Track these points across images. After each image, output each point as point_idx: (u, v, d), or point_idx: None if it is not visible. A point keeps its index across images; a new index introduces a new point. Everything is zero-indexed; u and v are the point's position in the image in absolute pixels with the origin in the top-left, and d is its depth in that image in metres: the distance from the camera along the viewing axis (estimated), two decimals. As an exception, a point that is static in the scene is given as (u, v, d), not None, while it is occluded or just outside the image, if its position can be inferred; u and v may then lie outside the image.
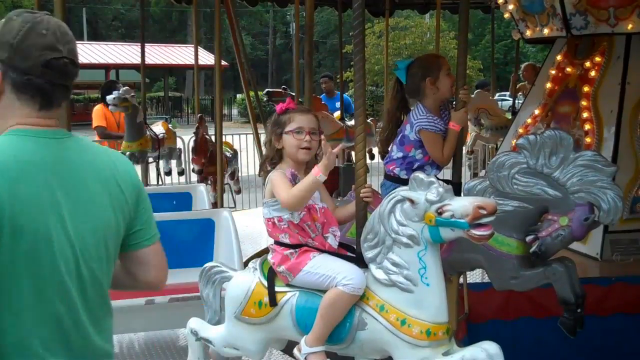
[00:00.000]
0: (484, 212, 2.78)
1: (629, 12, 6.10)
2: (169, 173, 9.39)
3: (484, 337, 3.12)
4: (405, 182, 3.13)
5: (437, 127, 4.22)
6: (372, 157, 11.12)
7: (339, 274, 3.11)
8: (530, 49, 36.86)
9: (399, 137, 4.34)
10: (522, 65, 11.71)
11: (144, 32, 9.15)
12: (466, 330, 5.12)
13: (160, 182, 9.82)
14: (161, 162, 9.21)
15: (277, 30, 55.72)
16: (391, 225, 3.01)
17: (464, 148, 10.24)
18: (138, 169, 8.82)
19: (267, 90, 9.88)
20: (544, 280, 3.59)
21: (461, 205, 2.84)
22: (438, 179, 3.06)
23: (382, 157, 4.62)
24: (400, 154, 4.35)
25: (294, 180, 3.28)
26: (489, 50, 13.14)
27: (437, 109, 4.31)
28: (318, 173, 3.15)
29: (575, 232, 3.47)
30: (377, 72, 28.80)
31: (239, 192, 9.98)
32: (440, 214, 2.88)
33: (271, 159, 3.40)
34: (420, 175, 2.97)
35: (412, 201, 2.95)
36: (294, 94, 8.72)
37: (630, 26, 6.12)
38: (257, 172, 10.62)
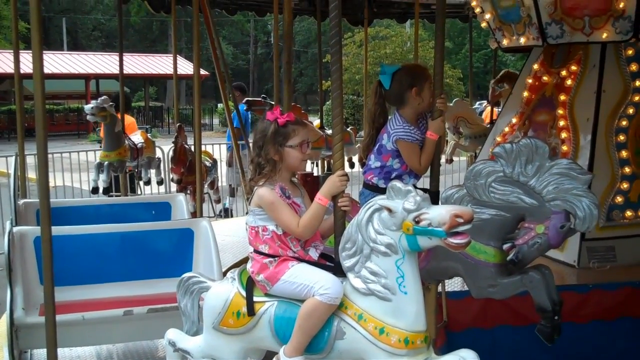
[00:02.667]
0: (461, 220, 2.80)
1: (603, 21, 6.19)
2: (148, 182, 9.35)
3: (462, 345, 3.14)
4: (383, 191, 3.14)
5: (414, 137, 4.24)
6: (351, 165, 11.15)
7: (316, 283, 3.11)
8: (509, 57, 37.20)
9: (376, 147, 4.36)
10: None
11: (125, 42, 9.12)
12: (445, 338, 5.14)
13: (139, 192, 9.77)
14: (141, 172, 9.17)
15: (259, 39, 55.73)
16: (369, 234, 3.02)
17: (442, 156, 10.36)
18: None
19: (246, 99, 9.86)
20: (521, 288, 3.61)
21: (438, 213, 2.85)
22: (416, 187, 3.07)
23: (362, 165, 4.63)
24: (378, 164, 4.36)
25: (284, 195, 3.30)
26: (469, 59, 13.22)
27: (415, 119, 4.33)
28: (326, 202, 3.24)
29: (551, 240, 3.49)
30: (357, 81, 28.88)
31: (218, 201, 9.96)
32: (417, 222, 2.89)
33: (262, 168, 3.35)
34: (397, 184, 2.98)
35: (389, 210, 2.95)
36: (273, 103, 8.72)
37: (605, 35, 6.20)
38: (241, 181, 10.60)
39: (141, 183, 9.76)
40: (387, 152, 4.32)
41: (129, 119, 11.26)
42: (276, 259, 3.27)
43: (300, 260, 3.28)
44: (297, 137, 3.34)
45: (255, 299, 3.29)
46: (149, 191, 10.53)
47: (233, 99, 9.18)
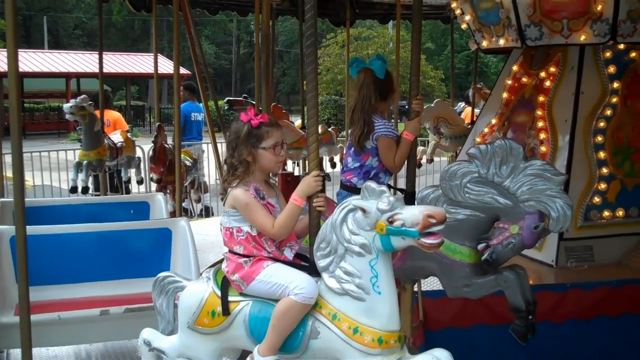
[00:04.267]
0: (434, 220, 2.82)
1: (581, 24, 6.22)
2: (128, 182, 9.32)
3: (441, 345, 3.15)
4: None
5: (394, 133, 4.33)
6: (333, 165, 11.17)
7: (291, 283, 3.12)
8: (491, 59, 37.42)
9: (353, 149, 4.39)
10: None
11: (106, 41, 9.12)
12: (424, 338, 5.16)
13: (119, 191, 9.73)
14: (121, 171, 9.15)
15: (241, 39, 55.56)
16: (343, 234, 3.03)
17: (424, 157, 10.37)
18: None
19: (227, 99, 9.87)
20: (496, 288, 3.64)
21: (411, 214, 2.87)
22: (390, 186, 3.07)
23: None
24: (357, 164, 4.39)
25: (258, 196, 3.30)
26: (451, 60, 13.29)
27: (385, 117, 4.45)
28: (301, 202, 3.25)
29: (525, 240, 3.52)
30: (340, 81, 28.91)
31: (198, 201, 9.94)
32: (391, 222, 2.91)
33: (235, 169, 3.35)
34: (371, 184, 3.00)
35: (363, 210, 2.97)
36: (254, 102, 8.71)
37: (583, 37, 6.24)
38: (217, 181, 10.60)
39: (122, 182, 9.72)
40: (367, 151, 4.35)
41: (115, 115, 11.21)
42: (251, 258, 3.28)
43: (275, 260, 3.29)
44: (271, 139, 3.33)
45: (230, 298, 3.30)
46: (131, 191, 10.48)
47: (213, 97, 9.18)
